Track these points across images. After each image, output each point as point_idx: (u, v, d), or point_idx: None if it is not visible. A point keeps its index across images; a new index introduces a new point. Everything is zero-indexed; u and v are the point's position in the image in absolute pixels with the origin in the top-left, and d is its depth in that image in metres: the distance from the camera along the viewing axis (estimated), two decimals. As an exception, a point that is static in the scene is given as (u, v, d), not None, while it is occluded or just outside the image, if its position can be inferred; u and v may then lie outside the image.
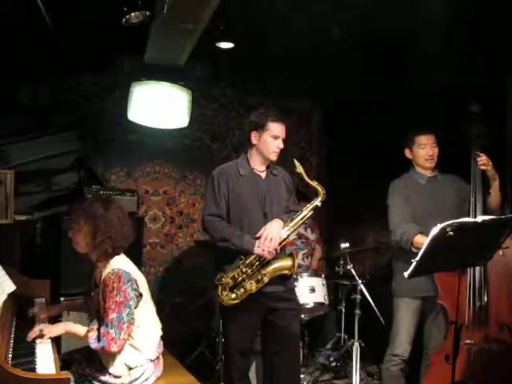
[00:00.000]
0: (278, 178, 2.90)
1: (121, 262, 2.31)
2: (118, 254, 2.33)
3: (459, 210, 2.89)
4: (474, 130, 2.84)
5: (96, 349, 2.17)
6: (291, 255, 2.78)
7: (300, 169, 2.76)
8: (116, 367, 2.23)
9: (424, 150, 3.01)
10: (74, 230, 2.32)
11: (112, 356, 2.22)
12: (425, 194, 3.00)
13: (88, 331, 2.22)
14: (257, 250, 2.64)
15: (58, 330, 2.31)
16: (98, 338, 2.17)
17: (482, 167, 2.75)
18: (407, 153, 3.10)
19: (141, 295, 2.30)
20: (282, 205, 2.85)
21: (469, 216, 2.70)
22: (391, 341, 3.05)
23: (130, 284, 2.23)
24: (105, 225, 2.27)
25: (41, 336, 2.25)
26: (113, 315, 2.15)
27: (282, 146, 2.78)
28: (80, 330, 2.28)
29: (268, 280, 2.64)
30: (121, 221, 2.33)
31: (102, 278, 2.26)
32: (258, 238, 2.67)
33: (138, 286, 2.29)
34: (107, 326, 2.15)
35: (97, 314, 2.31)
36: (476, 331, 2.57)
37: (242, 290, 2.62)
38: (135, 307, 2.26)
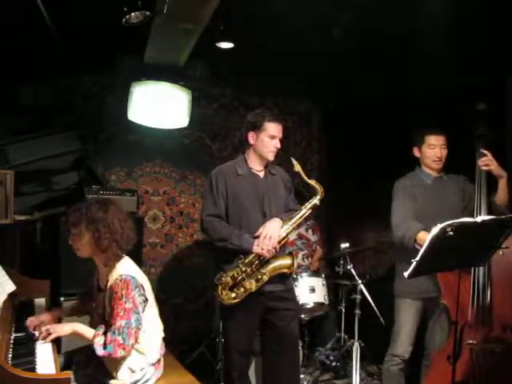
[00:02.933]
0: (277, 178, 2.90)
1: (127, 267, 2.28)
2: (124, 256, 2.31)
3: (464, 211, 2.87)
4: (477, 128, 2.81)
5: (103, 356, 2.13)
6: (290, 254, 2.79)
7: (298, 167, 2.77)
8: (121, 373, 2.21)
9: (433, 150, 2.96)
10: (74, 236, 2.25)
11: (117, 362, 2.20)
12: (429, 193, 2.98)
13: (94, 336, 2.17)
14: (256, 249, 2.65)
15: (65, 330, 2.25)
16: (104, 345, 2.12)
17: (484, 168, 2.72)
18: (415, 151, 3.05)
19: (147, 300, 2.28)
20: (280, 204, 2.86)
21: (473, 216, 2.66)
22: (392, 341, 3.05)
23: (137, 290, 2.21)
24: (106, 228, 2.22)
25: (48, 335, 2.21)
26: (121, 322, 2.12)
27: (278, 145, 2.80)
28: (88, 332, 2.22)
29: (267, 279, 2.65)
30: (121, 222, 2.29)
31: (109, 284, 2.22)
32: (257, 237, 2.68)
33: (144, 290, 2.27)
34: (114, 333, 2.11)
35: (102, 319, 2.28)
36: (479, 331, 2.55)
37: (242, 289, 2.63)
38: (142, 312, 2.24)
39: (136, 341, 2.20)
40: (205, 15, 2.71)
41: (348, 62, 3.77)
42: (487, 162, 2.72)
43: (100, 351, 2.12)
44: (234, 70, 4.26)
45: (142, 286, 2.25)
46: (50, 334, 2.22)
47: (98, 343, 2.13)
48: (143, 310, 2.24)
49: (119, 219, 2.28)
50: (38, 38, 3.22)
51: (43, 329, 2.24)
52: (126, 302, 2.14)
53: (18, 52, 3.43)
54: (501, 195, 2.77)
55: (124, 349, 2.12)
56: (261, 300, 2.71)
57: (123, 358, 2.19)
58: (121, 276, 2.19)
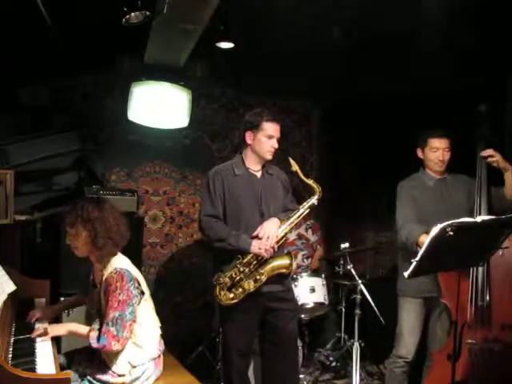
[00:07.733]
0: (274, 177, 2.90)
1: (121, 261, 2.32)
2: (118, 252, 2.35)
3: (468, 212, 2.83)
4: (479, 130, 2.80)
5: (98, 348, 2.16)
6: (289, 254, 2.78)
7: (295, 167, 2.76)
8: (119, 366, 2.23)
9: (435, 153, 2.94)
10: (72, 235, 2.29)
11: (115, 354, 2.22)
12: (432, 195, 2.97)
13: (90, 331, 2.22)
14: (254, 249, 2.64)
15: (60, 330, 2.32)
16: (99, 338, 2.16)
17: (489, 160, 2.69)
18: (419, 152, 3.03)
19: (143, 293, 2.31)
20: (278, 204, 2.85)
21: (474, 216, 2.64)
22: (396, 341, 3.03)
23: (132, 283, 2.23)
24: (102, 226, 2.25)
25: (44, 334, 2.25)
26: (115, 313, 2.15)
27: (276, 145, 2.79)
28: (82, 329, 2.27)
29: (266, 279, 2.64)
30: (116, 220, 2.33)
31: (104, 277, 2.25)
32: (255, 237, 2.67)
33: (139, 284, 2.30)
34: (108, 324, 2.15)
35: (98, 314, 2.31)
36: (478, 331, 2.56)
37: (240, 289, 2.62)
38: (137, 305, 2.26)
39: (131, 334, 2.22)
40: (205, 15, 2.72)
41: (348, 62, 3.77)
42: (491, 152, 2.69)
43: (94, 344, 2.16)
44: (234, 70, 4.26)
45: (136, 279, 2.28)
46: (46, 333, 2.25)
47: (93, 337, 2.17)
48: (139, 303, 2.27)
49: (114, 217, 2.32)
50: (37, 37, 3.22)
51: (41, 326, 2.28)
52: (120, 294, 2.17)
53: (17, 52, 3.43)
54: (509, 190, 2.73)
55: (118, 341, 2.14)
56: (259, 301, 2.70)
57: (118, 352, 2.21)
58: (115, 269, 2.23)
